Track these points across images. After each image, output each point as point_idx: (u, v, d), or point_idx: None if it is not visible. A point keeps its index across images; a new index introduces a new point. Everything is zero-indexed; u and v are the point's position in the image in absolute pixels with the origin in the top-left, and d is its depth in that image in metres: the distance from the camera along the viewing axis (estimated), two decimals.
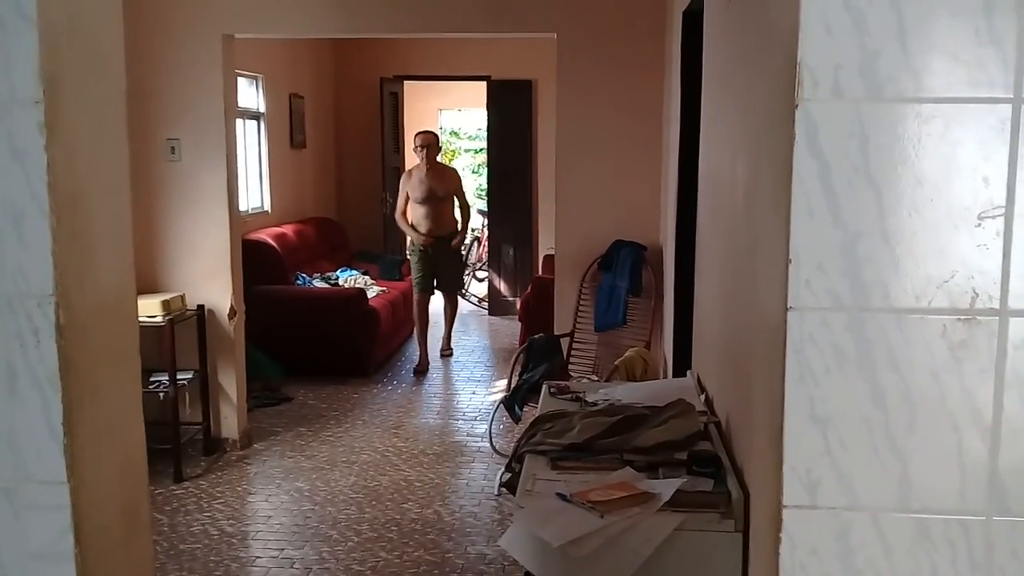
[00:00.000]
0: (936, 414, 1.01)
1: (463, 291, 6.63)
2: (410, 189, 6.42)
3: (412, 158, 10.20)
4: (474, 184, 12.12)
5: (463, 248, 7.32)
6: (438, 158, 6.68)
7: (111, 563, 1.27)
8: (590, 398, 2.74)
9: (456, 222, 6.70)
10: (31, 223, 1.11)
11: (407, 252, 6.72)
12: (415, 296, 6.62)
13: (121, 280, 1.29)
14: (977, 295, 0.98)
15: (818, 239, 0.98)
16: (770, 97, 1.11)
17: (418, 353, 6.66)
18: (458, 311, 7.15)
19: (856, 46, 0.96)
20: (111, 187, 1.28)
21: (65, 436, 1.15)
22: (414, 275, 6.60)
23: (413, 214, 6.44)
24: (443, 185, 6.46)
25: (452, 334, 7.08)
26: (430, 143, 6.44)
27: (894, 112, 0.97)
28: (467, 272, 8.95)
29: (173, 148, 4.47)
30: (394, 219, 6.80)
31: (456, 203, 6.71)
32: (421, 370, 6.42)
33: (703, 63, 3.06)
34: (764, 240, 1.16)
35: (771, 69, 1.11)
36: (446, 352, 6.91)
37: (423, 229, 6.42)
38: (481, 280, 9.46)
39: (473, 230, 10.88)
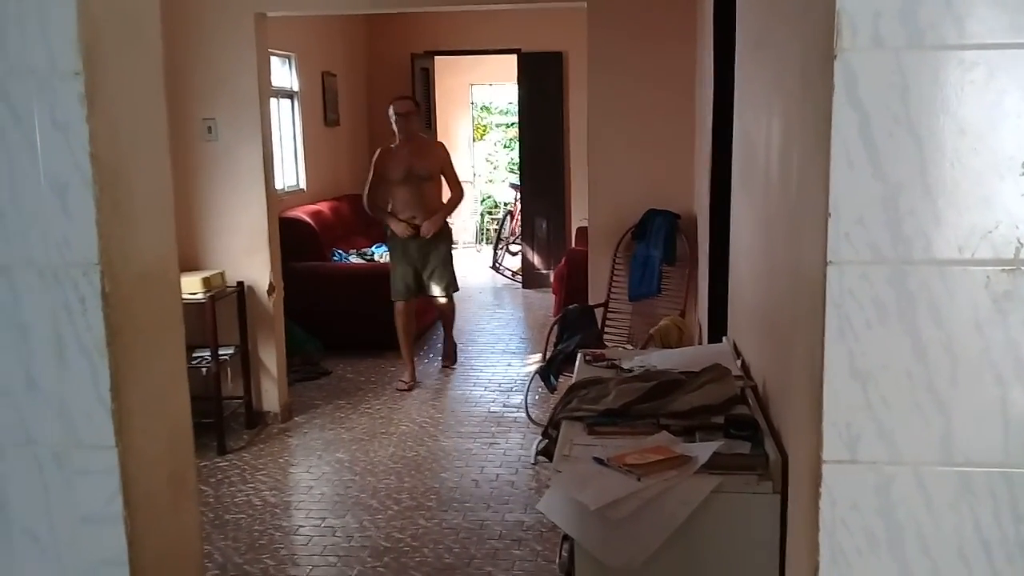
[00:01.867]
0: (979, 366, 0.99)
1: (456, 289, 5.63)
2: (387, 168, 5.33)
3: (444, 132, 10.28)
4: (506, 159, 12.09)
5: (452, 239, 5.99)
6: (419, 131, 5.69)
7: (159, 527, 1.31)
8: (625, 365, 2.74)
9: (441, 208, 5.54)
10: (75, 194, 1.14)
11: (388, 236, 5.53)
12: (395, 306, 5.46)
13: (163, 250, 1.32)
14: (1022, 245, 0.96)
15: (858, 192, 0.97)
16: (808, 49, 1.09)
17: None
18: (455, 313, 5.94)
19: None
20: (151, 157, 1.30)
21: (113, 402, 1.18)
22: (392, 277, 5.43)
23: (392, 199, 5.36)
24: (426, 162, 5.38)
25: (455, 340, 5.97)
26: (409, 111, 5.34)
27: (935, 60, 0.94)
28: (502, 247, 8.37)
29: (210, 128, 4.52)
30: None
31: (446, 183, 5.64)
32: (406, 387, 5.39)
33: (736, 25, 3.01)
34: (802, 195, 1.15)
35: (809, 21, 1.09)
36: (448, 363, 5.86)
37: (403, 216, 5.32)
38: (515, 254, 9.47)
39: (506, 204, 10.92)
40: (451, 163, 5.62)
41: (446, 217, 5.55)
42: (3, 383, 1.18)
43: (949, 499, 1.02)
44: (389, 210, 5.39)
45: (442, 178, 5.53)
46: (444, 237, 5.57)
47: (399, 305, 5.46)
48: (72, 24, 1.11)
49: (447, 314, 5.81)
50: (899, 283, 0.99)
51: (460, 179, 5.72)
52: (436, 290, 5.57)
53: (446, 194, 5.64)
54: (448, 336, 5.91)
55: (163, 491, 1.30)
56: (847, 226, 0.98)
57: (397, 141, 5.34)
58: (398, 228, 5.35)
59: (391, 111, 5.31)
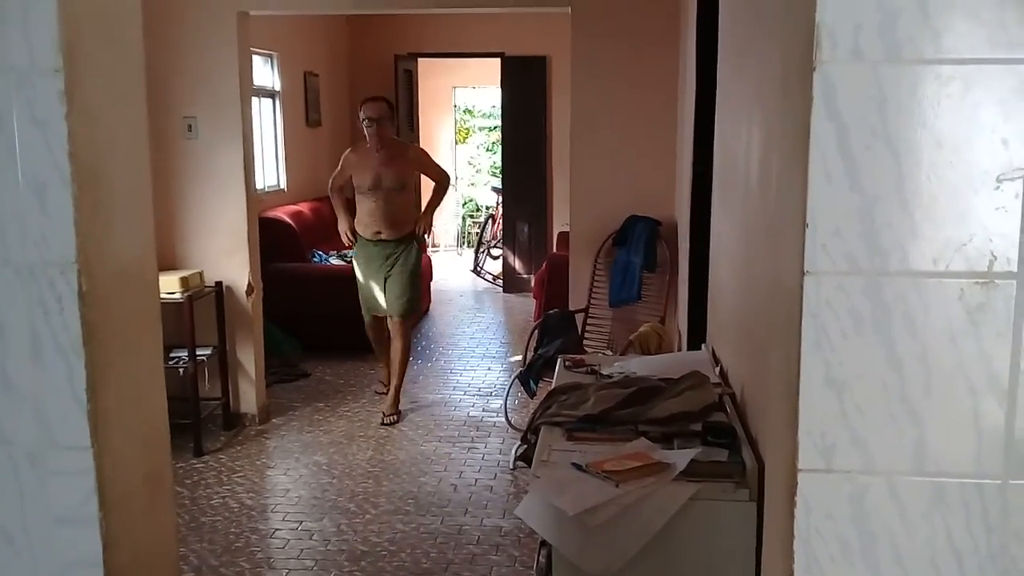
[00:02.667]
0: (953, 377, 1.00)
1: (416, 317, 5.01)
2: (355, 174, 4.81)
3: (426, 134, 10.27)
4: (488, 162, 12.10)
5: (430, 240, 5.24)
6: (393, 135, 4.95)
7: (135, 528, 1.30)
8: (605, 371, 2.75)
9: (416, 222, 4.93)
10: (53, 192, 1.12)
11: (355, 253, 4.97)
12: (367, 327, 5.02)
13: (142, 249, 1.31)
14: (995, 258, 0.98)
15: (835, 203, 0.98)
16: (787, 60, 1.10)
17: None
18: (410, 354, 5.12)
19: (875, 6, 0.95)
20: (131, 156, 1.29)
21: (89, 402, 1.17)
22: (360, 292, 4.93)
23: (358, 208, 4.83)
24: (397, 171, 4.74)
25: (402, 390, 4.98)
26: (382, 115, 4.68)
27: (913, 74, 0.96)
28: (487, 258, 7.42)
29: (190, 126, 4.50)
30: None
31: (426, 178, 5.25)
32: (385, 391, 5.05)
33: (719, 34, 3.03)
34: (781, 206, 1.16)
35: (788, 32, 1.10)
36: (390, 416, 4.82)
37: (369, 230, 4.77)
38: (496, 258, 9.47)
39: (488, 208, 10.92)
40: (428, 159, 5.12)
41: (434, 211, 5.07)
42: None
43: (922, 509, 1.03)
44: (355, 219, 4.86)
45: (421, 180, 5.19)
46: (413, 245, 4.89)
47: (367, 325, 5.03)
48: (53, 21, 1.10)
49: (399, 349, 4.86)
50: (875, 294, 1.00)
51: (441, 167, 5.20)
52: (391, 309, 4.82)
53: (425, 198, 5.28)
54: (395, 386, 4.91)
55: (139, 492, 1.29)
56: (824, 237, 0.99)
57: (368, 145, 4.78)
58: (342, 226, 4.85)
59: (361, 113, 4.74)
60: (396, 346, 4.91)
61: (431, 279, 7.66)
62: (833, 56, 0.96)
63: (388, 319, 4.93)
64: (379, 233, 4.78)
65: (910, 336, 1.00)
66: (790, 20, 1.10)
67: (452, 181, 11.10)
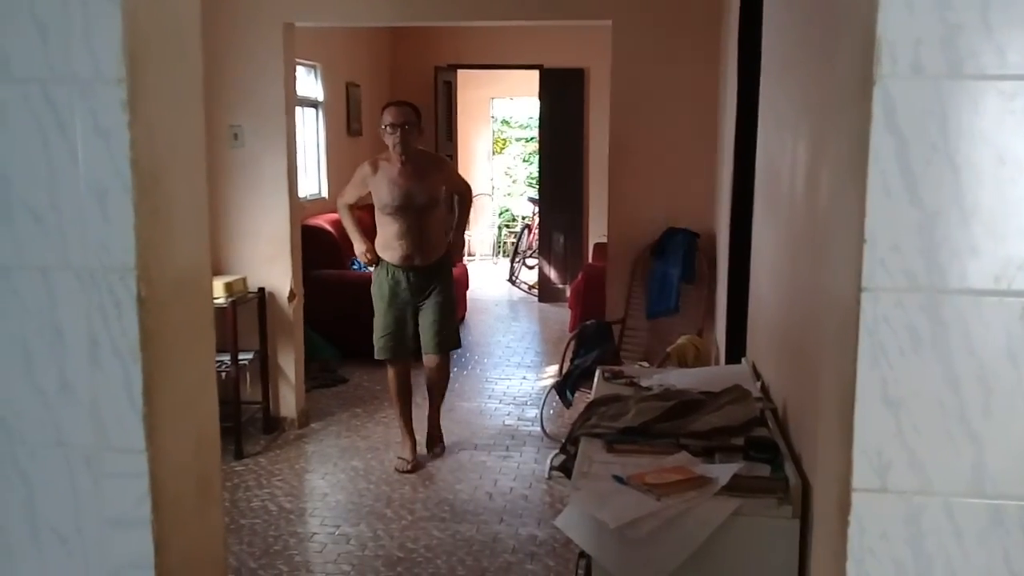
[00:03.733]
0: (1012, 398, 0.98)
1: (456, 346, 4.43)
2: (376, 190, 4.13)
3: (463, 145, 10.32)
4: (524, 173, 12.13)
5: (452, 273, 4.47)
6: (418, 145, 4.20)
7: (185, 532, 1.32)
8: (644, 383, 2.74)
9: (447, 241, 4.37)
10: (114, 199, 1.15)
11: (373, 277, 4.31)
12: (389, 369, 4.34)
13: (198, 256, 1.33)
14: None
15: (894, 218, 0.97)
16: (844, 75, 1.09)
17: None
18: (449, 381, 4.62)
19: (937, 20, 0.94)
20: (189, 165, 1.31)
21: (144, 406, 1.19)
22: (378, 326, 4.24)
23: (381, 231, 4.18)
24: (429, 185, 4.12)
25: (441, 417, 4.57)
26: (407, 121, 4.03)
27: (975, 89, 0.94)
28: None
29: (236, 134, 4.57)
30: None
31: (456, 201, 4.60)
32: (408, 466, 4.26)
33: (762, 48, 3.01)
34: (835, 220, 1.15)
35: (845, 46, 1.09)
36: (435, 449, 4.48)
37: (396, 255, 4.13)
38: (531, 267, 9.48)
39: (524, 218, 10.94)
40: (455, 173, 4.58)
41: (465, 230, 4.63)
42: (37, 384, 1.19)
43: (979, 531, 1.02)
44: (375, 243, 4.22)
45: (446, 202, 4.52)
46: (446, 269, 4.33)
47: (389, 367, 4.31)
48: (117, 32, 1.13)
49: (437, 381, 4.42)
50: (934, 311, 0.98)
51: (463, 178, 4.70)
52: (428, 345, 4.30)
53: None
54: (434, 411, 4.50)
55: (190, 495, 1.31)
56: (883, 252, 0.98)
57: (391, 158, 4.11)
58: (360, 247, 4.22)
59: (383, 120, 4.06)
60: (433, 377, 4.39)
61: (467, 287, 7.68)
62: (893, 71, 0.95)
63: (424, 357, 4.35)
64: (410, 259, 4.13)
65: (969, 354, 0.99)
66: (847, 34, 1.09)
67: (489, 191, 11.33)
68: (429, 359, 4.36)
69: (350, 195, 4.31)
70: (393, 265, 4.18)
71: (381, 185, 4.12)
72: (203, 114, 1.36)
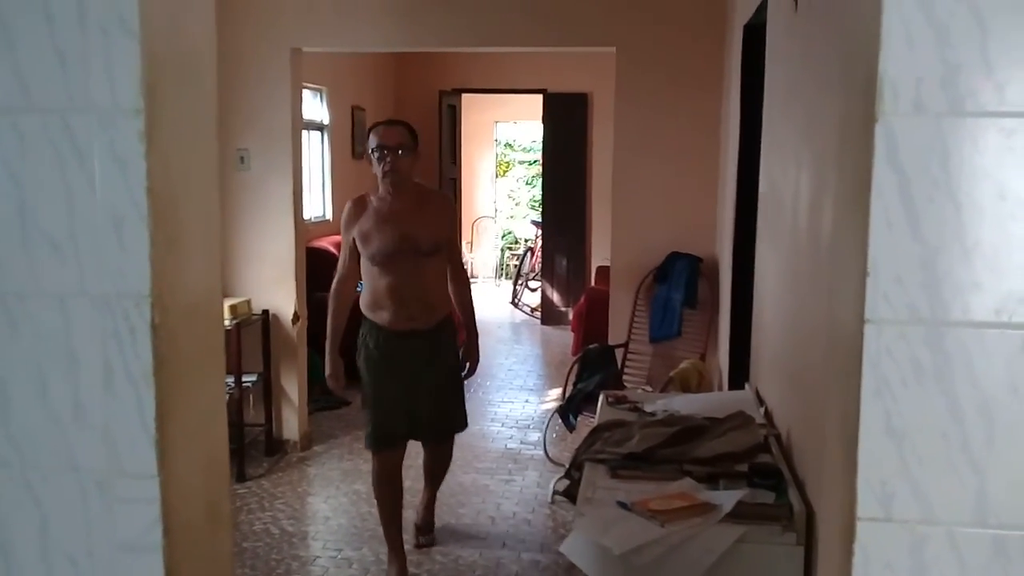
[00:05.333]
0: (1015, 429, 1.00)
1: (464, 426, 3.60)
2: (363, 235, 3.22)
3: (467, 168, 10.38)
4: (527, 195, 12.19)
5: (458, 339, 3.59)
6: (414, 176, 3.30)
7: (195, 556, 1.32)
8: (648, 408, 2.75)
9: (450, 302, 3.43)
10: (131, 227, 1.17)
11: (359, 342, 3.43)
12: (375, 459, 3.39)
13: (210, 283, 1.35)
14: None
15: (897, 252, 0.99)
16: (846, 110, 1.12)
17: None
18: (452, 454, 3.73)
19: (938, 59, 0.96)
20: (202, 193, 1.34)
21: (157, 431, 1.20)
22: (365, 405, 3.39)
23: (370, 286, 3.29)
24: (427, 227, 3.23)
25: (436, 503, 3.78)
26: (402, 144, 3.17)
27: (976, 126, 0.97)
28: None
29: (242, 158, 4.61)
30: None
31: (451, 261, 3.42)
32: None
33: (765, 76, 3.05)
34: (838, 253, 1.17)
35: (847, 82, 1.11)
36: (424, 538, 3.67)
37: (387, 317, 3.24)
38: (534, 290, 9.51)
39: (526, 240, 10.98)
40: (456, 227, 3.78)
41: (476, 333, 3.56)
42: (52, 409, 1.20)
43: (983, 561, 1.02)
44: (364, 302, 3.33)
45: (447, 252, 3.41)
46: (449, 334, 3.41)
47: (378, 459, 3.36)
48: (136, 63, 1.15)
49: (439, 460, 3.63)
50: (936, 344, 1.00)
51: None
52: (429, 432, 3.44)
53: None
54: (429, 495, 3.72)
55: (200, 520, 1.32)
56: (885, 285, 1.00)
57: (380, 190, 3.23)
58: (327, 371, 3.43)
59: (370, 143, 3.21)
60: (434, 464, 3.65)
61: None
62: (895, 108, 0.97)
63: (425, 447, 3.56)
64: (411, 320, 3.23)
65: (971, 386, 1.00)
66: (849, 70, 1.12)
67: (492, 214, 11.35)
68: (431, 448, 3.56)
69: (341, 268, 3.37)
70: (389, 331, 3.26)
71: (368, 227, 3.20)
72: (217, 144, 1.39)
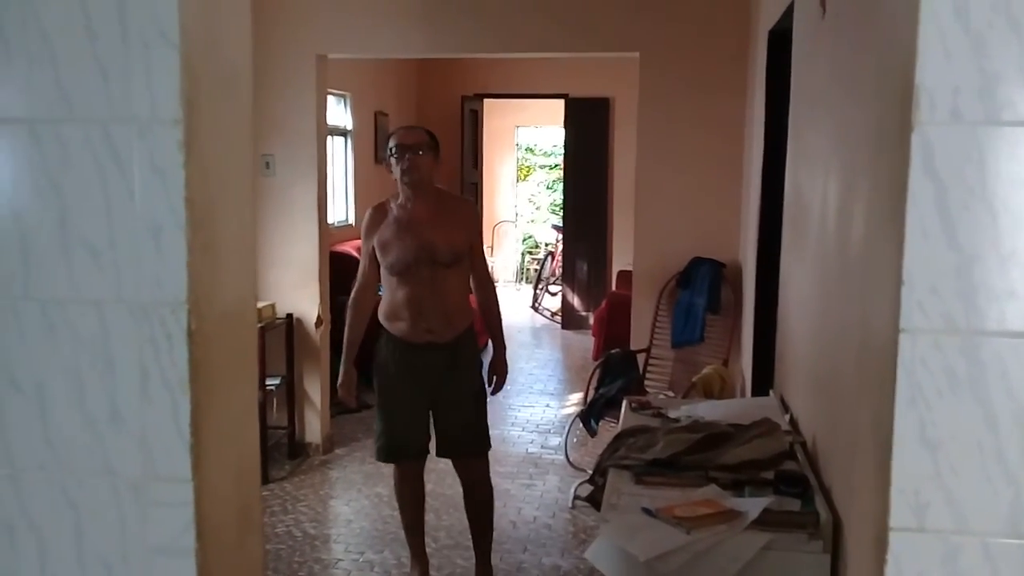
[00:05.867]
0: None
1: (489, 446, 3.35)
2: (382, 243, 3.14)
3: (489, 172, 10.42)
4: (548, 200, 12.20)
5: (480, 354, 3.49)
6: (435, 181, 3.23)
7: (227, 561, 1.34)
8: (672, 414, 2.75)
9: (472, 314, 3.28)
10: (168, 235, 1.19)
11: (375, 354, 3.31)
12: (395, 471, 3.36)
13: (245, 290, 1.37)
14: None
15: (932, 261, 0.99)
16: (880, 119, 1.12)
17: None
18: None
19: (975, 69, 0.96)
20: (238, 202, 1.35)
21: (191, 436, 1.22)
22: (380, 417, 3.30)
23: (388, 297, 3.23)
24: (451, 235, 3.12)
25: (492, 548, 3.41)
26: (419, 142, 3.13)
27: (1013, 136, 0.96)
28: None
29: (268, 163, 4.66)
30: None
31: (474, 271, 3.28)
32: None
33: (791, 82, 3.04)
34: (872, 262, 1.16)
35: (882, 91, 1.11)
36: None
37: (405, 328, 3.15)
38: (554, 294, 9.51)
39: (547, 244, 10.99)
40: (481, 235, 3.39)
41: (504, 348, 3.38)
42: (89, 414, 1.22)
43: (1017, 572, 1.02)
44: (381, 312, 3.23)
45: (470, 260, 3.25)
46: (471, 347, 3.29)
47: (397, 466, 3.34)
48: (175, 74, 1.17)
49: (480, 502, 3.35)
50: (972, 353, 1.00)
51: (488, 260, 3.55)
52: (452, 443, 3.26)
53: None
54: (483, 559, 3.38)
55: (232, 524, 1.34)
56: (921, 295, 1.00)
57: (400, 197, 3.17)
58: (345, 378, 3.34)
59: (391, 142, 3.17)
60: (478, 489, 3.32)
61: None
62: (932, 117, 0.97)
63: (455, 464, 3.34)
64: (429, 332, 3.12)
65: (1007, 396, 1.00)
66: (883, 79, 1.12)
67: (513, 218, 11.37)
68: (460, 466, 3.31)
69: (360, 277, 3.28)
70: (407, 343, 3.16)
71: (387, 236, 3.12)
72: (252, 153, 1.41)
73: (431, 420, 3.26)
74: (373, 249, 3.17)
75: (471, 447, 3.27)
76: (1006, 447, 1.01)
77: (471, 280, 3.28)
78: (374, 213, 3.22)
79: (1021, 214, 0.98)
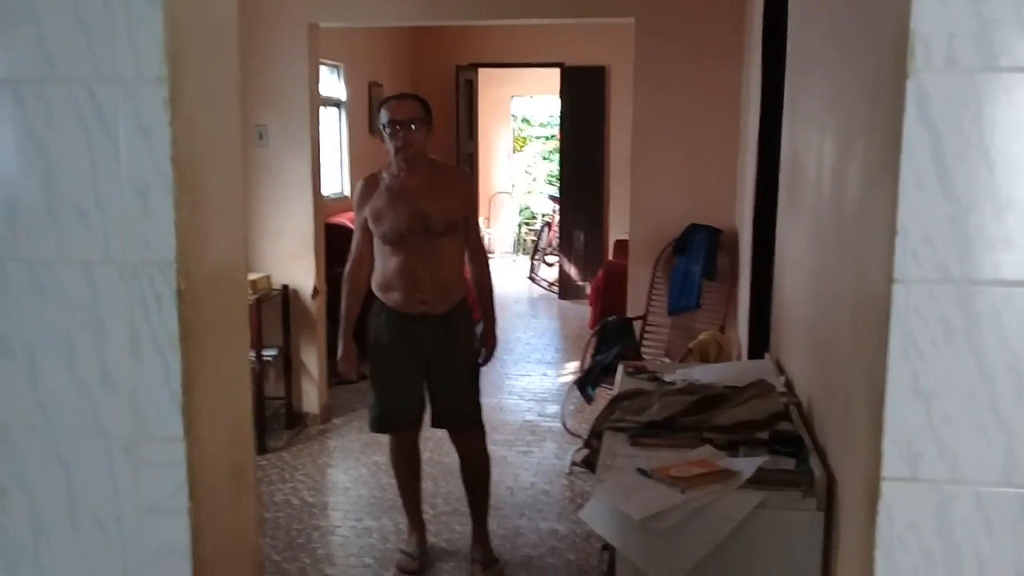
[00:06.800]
0: None
1: (480, 419, 3.33)
2: (375, 213, 3.11)
3: (485, 143, 10.35)
4: (544, 171, 12.15)
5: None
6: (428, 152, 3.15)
7: (220, 520, 1.34)
8: (667, 378, 2.75)
9: (466, 285, 3.27)
10: (156, 195, 1.18)
11: (369, 322, 3.29)
12: (390, 439, 3.38)
13: (234, 250, 1.36)
14: None
15: (927, 211, 0.98)
16: (875, 68, 1.10)
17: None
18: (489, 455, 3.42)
19: (971, 14, 0.94)
20: (226, 161, 1.34)
21: (183, 396, 1.22)
22: (374, 385, 3.30)
23: (381, 266, 3.17)
24: (442, 205, 3.10)
25: (489, 536, 3.41)
26: (414, 117, 3.07)
27: (1010, 82, 0.95)
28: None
29: (261, 134, 4.62)
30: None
31: (468, 242, 3.25)
32: (413, 565, 3.31)
33: (788, 42, 3.01)
34: (865, 213, 1.16)
35: (877, 40, 1.10)
36: (492, 570, 3.31)
37: (398, 298, 3.13)
38: (551, 265, 9.50)
39: (544, 215, 10.95)
40: (476, 207, 3.44)
41: (495, 320, 3.34)
42: (79, 375, 1.22)
43: (1009, 521, 1.02)
44: (374, 282, 3.20)
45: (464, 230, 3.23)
46: (465, 319, 3.26)
47: (391, 439, 3.36)
48: (159, 32, 1.15)
49: (474, 472, 3.37)
50: (966, 303, 0.99)
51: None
52: (443, 415, 3.29)
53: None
54: (479, 524, 3.40)
55: (225, 484, 1.34)
56: (915, 245, 0.99)
57: (392, 167, 3.14)
58: (345, 352, 3.32)
59: (381, 118, 3.11)
60: (475, 465, 3.35)
61: None
62: (927, 64, 0.96)
63: (451, 436, 3.34)
64: (423, 303, 3.11)
65: (1001, 346, 0.99)
66: (879, 28, 1.10)
67: (509, 189, 11.33)
68: (455, 436, 3.33)
69: (354, 250, 3.25)
70: (398, 313, 3.15)
71: (380, 205, 3.10)
72: (239, 111, 1.39)
73: (425, 390, 3.26)
74: (366, 221, 3.16)
75: (466, 418, 3.28)
76: (1000, 397, 1.01)
77: (466, 252, 3.27)
78: (366, 184, 3.19)
79: (1018, 163, 0.97)
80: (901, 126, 0.97)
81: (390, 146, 3.09)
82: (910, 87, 0.96)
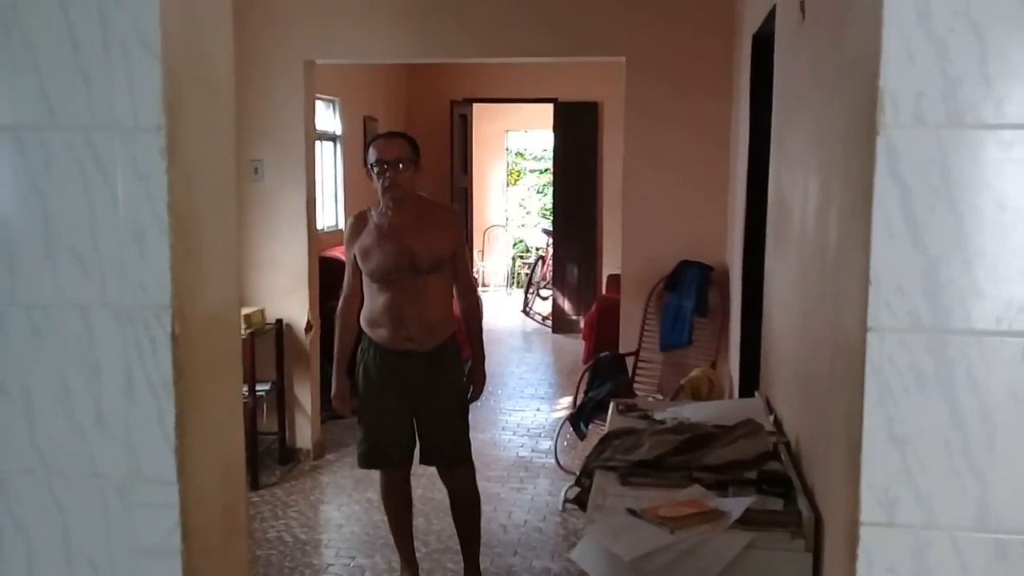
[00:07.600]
0: (1016, 435, 1.02)
1: (469, 455, 3.34)
2: (361, 252, 3.16)
3: (479, 176, 10.44)
4: (538, 204, 12.23)
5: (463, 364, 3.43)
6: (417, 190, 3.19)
7: (212, 562, 1.35)
8: (658, 416, 2.77)
9: (454, 323, 3.28)
10: (152, 240, 1.20)
11: (357, 359, 3.32)
12: (381, 476, 3.41)
13: (228, 293, 1.38)
14: None
15: (898, 262, 1.01)
16: (849, 122, 1.14)
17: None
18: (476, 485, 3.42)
19: (938, 72, 0.98)
20: (221, 206, 1.37)
21: (176, 438, 1.23)
22: (364, 422, 3.30)
23: (369, 304, 3.20)
24: (430, 243, 3.12)
25: (482, 552, 3.46)
26: (401, 157, 3.09)
27: (975, 138, 0.99)
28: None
29: (256, 168, 4.66)
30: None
31: (457, 279, 3.27)
32: None
33: (774, 86, 3.07)
34: (842, 262, 1.19)
35: (850, 94, 1.14)
36: None
37: (385, 335, 3.15)
38: (545, 298, 9.53)
39: (538, 249, 11.00)
40: (464, 243, 3.37)
41: (483, 359, 3.37)
42: (75, 418, 1.24)
43: (984, 565, 1.04)
44: (363, 318, 3.22)
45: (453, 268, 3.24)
46: (453, 356, 3.27)
47: (381, 476, 3.39)
48: (157, 81, 1.19)
49: (460, 499, 3.37)
50: (938, 351, 1.02)
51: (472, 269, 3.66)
52: (432, 452, 3.30)
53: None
54: (471, 566, 3.40)
55: (217, 526, 1.35)
56: (887, 294, 1.02)
57: (380, 206, 3.16)
58: (339, 391, 3.32)
59: (370, 155, 3.12)
60: (464, 500, 3.35)
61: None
62: (896, 120, 1.00)
63: (440, 470, 3.36)
64: (409, 340, 3.13)
65: (973, 393, 1.02)
66: (852, 82, 1.14)
67: (503, 223, 11.40)
68: (444, 473, 3.36)
69: (345, 287, 3.29)
70: (382, 348, 3.18)
71: (368, 243, 3.13)
72: (235, 158, 1.43)
73: (415, 427, 3.27)
74: (355, 258, 3.20)
75: (454, 455, 3.29)
76: (973, 443, 1.03)
77: (454, 288, 3.29)
78: (355, 222, 3.24)
79: (985, 216, 1.00)
80: (872, 179, 1.01)
81: (377, 185, 3.12)
82: (880, 142, 1.00)
